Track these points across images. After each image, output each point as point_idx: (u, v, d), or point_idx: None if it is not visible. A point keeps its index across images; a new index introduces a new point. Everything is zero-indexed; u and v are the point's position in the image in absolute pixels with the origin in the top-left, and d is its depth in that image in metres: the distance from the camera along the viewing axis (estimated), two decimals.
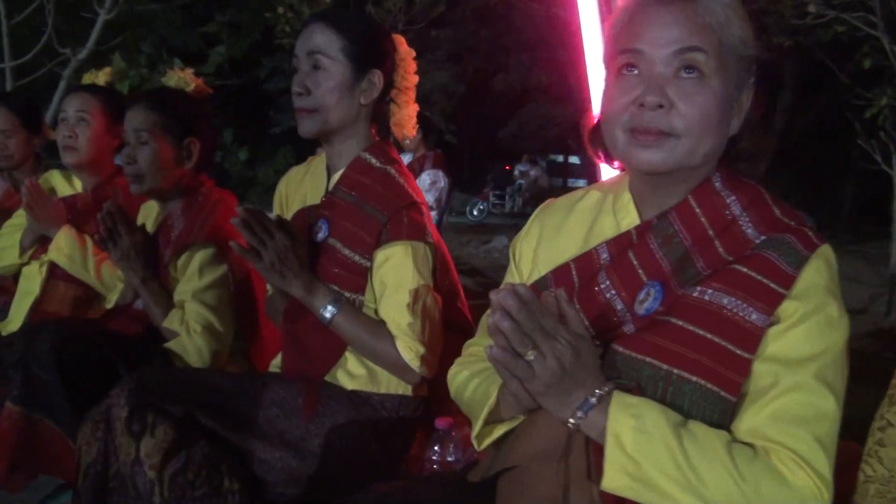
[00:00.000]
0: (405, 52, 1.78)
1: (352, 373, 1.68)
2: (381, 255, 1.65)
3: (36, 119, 2.89)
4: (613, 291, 1.14)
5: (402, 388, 1.69)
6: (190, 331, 1.89)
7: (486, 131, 14.77)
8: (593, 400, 1.00)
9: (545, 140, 14.13)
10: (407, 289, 1.63)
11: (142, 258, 1.97)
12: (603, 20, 2.35)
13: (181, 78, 2.10)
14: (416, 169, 5.22)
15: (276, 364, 1.84)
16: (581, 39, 2.37)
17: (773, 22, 5.86)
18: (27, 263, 2.48)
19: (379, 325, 1.65)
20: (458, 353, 1.43)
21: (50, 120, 5.21)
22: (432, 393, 1.75)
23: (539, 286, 1.22)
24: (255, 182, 11.72)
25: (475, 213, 15.29)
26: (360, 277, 1.67)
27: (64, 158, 2.44)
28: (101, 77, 2.52)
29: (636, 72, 1.11)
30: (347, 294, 1.66)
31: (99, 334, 1.86)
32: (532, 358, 0.96)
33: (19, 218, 2.57)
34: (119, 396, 1.48)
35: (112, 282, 2.36)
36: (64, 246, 2.36)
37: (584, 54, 2.38)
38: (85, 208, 2.47)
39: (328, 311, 1.63)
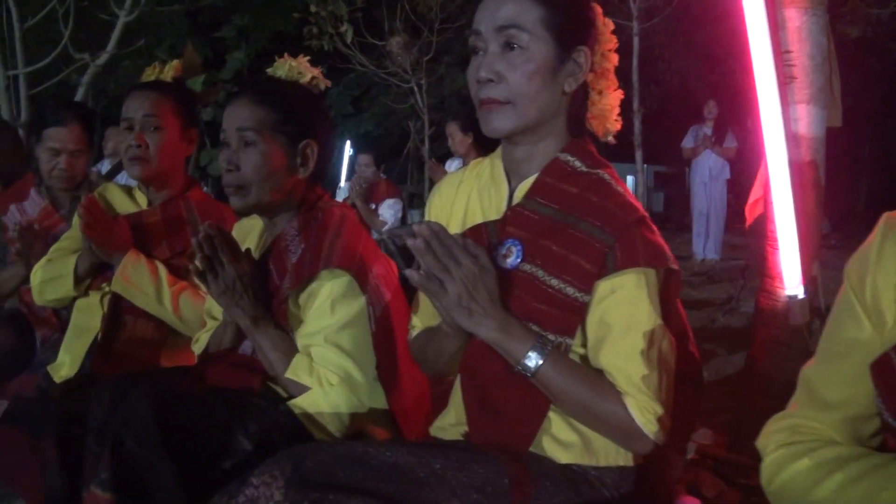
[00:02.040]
0: (603, 23, 1.38)
1: (562, 441, 1.27)
2: (605, 286, 1.24)
3: (96, 132, 2.52)
4: None
5: (622, 457, 1.29)
6: (323, 383, 1.48)
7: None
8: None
9: None
10: (641, 330, 1.23)
11: (250, 292, 1.55)
12: (773, 42, 2.01)
13: (293, 67, 1.69)
14: None
15: (439, 426, 1.42)
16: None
17: (847, 11, 5.50)
18: (84, 295, 2.07)
19: (600, 378, 1.25)
20: (687, 412, 1.30)
21: None
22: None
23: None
24: None
25: None
26: (571, 315, 1.25)
27: (131, 172, 2.03)
28: (168, 71, 2.11)
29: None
30: (551, 336, 1.25)
31: (210, 393, 1.44)
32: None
33: (70, 241, 2.16)
34: (270, 488, 1.07)
35: (194, 317, 1.94)
36: (132, 275, 1.95)
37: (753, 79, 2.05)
38: (153, 228, 2.06)
39: (532, 360, 1.22)
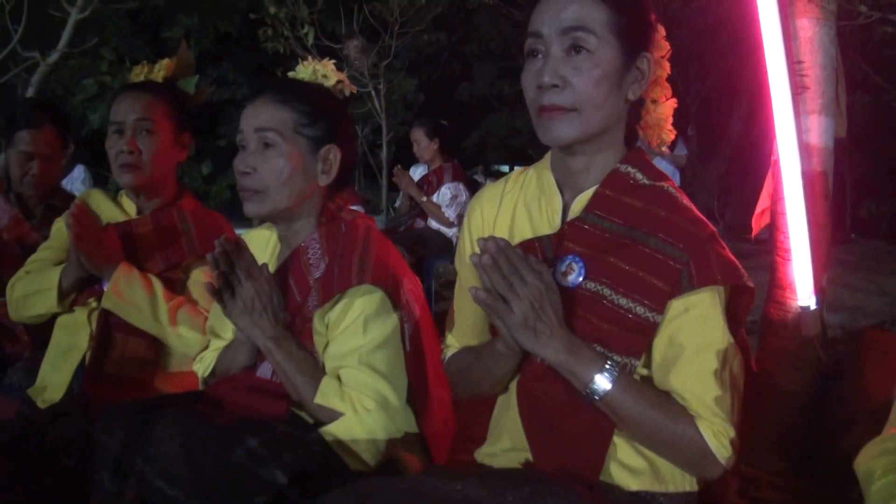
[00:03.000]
0: (659, 28, 1.32)
1: (630, 467, 1.21)
2: (678, 304, 1.18)
3: (70, 135, 2.36)
4: None
5: (688, 482, 1.23)
6: (358, 408, 1.38)
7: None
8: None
9: (508, 150, 13.76)
10: (714, 350, 1.17)
11: (269, 311, 1.44)
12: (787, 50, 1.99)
13: (318, 70, 1.59)
14: (433, 182, 4.77)
15: (489, 452, 1.34)
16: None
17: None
18: (68, 311, 1.91)
19: (670, 401, 1.18)
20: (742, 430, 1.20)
21: None
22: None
23: None
24: (208, 197, 10.96)
25: None
26: (640, 336, 1.19)
27: (122, 179, 1.88)
28: (158, 71, 1.97)
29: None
30: (617, 357, 1.19)
31: (239, 422, 1.33)
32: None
33: (50, 251, 2.00)
34: None
35: (193, 335, 1.81)
36: (124, 290, 1.81)
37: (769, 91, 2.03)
38: (145, 239, 1.92)
39: (601, 383, 1.15)
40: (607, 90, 1.20)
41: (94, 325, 1.88)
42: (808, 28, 2.08)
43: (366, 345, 1.42)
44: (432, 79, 11.54)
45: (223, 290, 1.43)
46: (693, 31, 6.89)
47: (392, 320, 1.45)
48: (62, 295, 1.88)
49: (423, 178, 4.86)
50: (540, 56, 1.21)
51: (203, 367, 1.65)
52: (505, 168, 22.84)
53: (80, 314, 1.90)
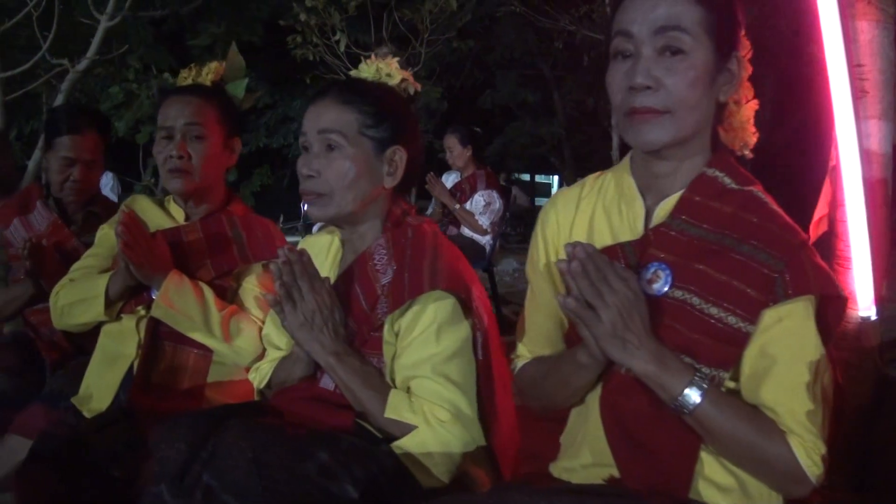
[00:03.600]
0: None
1: (719, 484, 1.16)
2: (772, 315, 1.13)
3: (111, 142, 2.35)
4: None
5: (775, 499, 1.18)
6: (431, 420, 1.33)
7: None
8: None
9: (530, 159, 13.74)
10: (806, 362, 1.13)
11: (330, 325, 1.40)
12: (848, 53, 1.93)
13: (381, 68, 1.55)
14: (466, 190, 4.73)
15: (567, 467, 1.29)
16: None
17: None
18: (115, 319, 1.88)
19: (760, 415, 1.14)
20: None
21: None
22: None
23: None
24: None
25: None
26: (730, 346, 1.14)
27: (172, 185, 1.86)
28: (207, 74, 1.93)
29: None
30: (705, 369, 1.14)
31: (309, 433, 1.29)
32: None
33: (94, 259, 1.98)
34: None
35: (248, 345, 1.78)
36: (175, 299, 1.77)
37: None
38: (195, 246, 1.89)
39: (690, 396, 1.10)
40: (701, 92, 1.16)
41: (142, 334, 1.85)
42: (868, 31, 2.02)
43: (439, 353, 1.38)
44: (454, 87, 11.50)
45: (284, 303, 1.39)
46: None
47: (465, 328, 1.41)
48: (109, 303, 1.85)
49: (456, 186, 4.83)
50: (630, 56, 1.17)
51: (259, 377, 1.61)
52: (526, 177, 22.81)
53: (128, 322, 1.87)
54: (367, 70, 1.57)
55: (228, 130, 1.91)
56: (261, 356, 1.74)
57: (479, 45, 10.61)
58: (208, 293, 1.81)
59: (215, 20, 10.19)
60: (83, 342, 2.20)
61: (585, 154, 12.97)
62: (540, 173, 21.84)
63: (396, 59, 1.58)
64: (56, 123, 2.34)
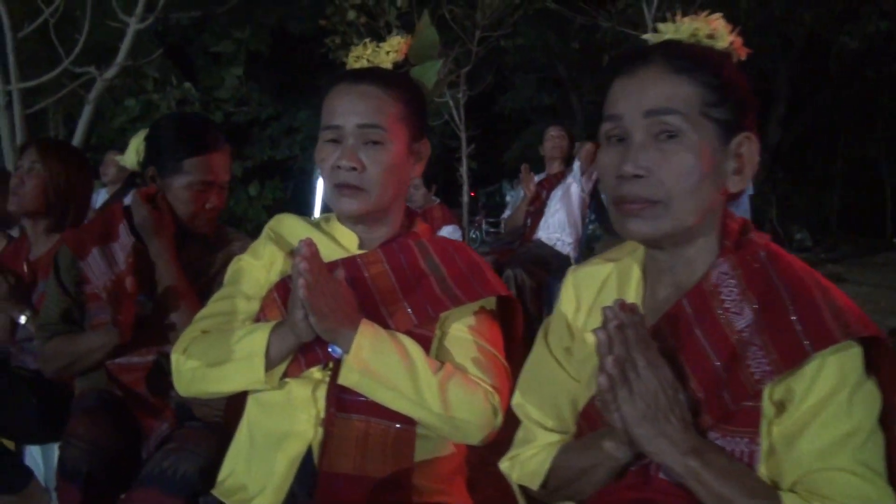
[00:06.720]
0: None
1: None
2: None
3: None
4: None
5: None
6: None
7: (491, 153, 14.11)
8: None
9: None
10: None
11: (677, 410, 0.95)
12: None
13: (699, 29, 1.09)
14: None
15: None
16: None
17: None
18: (280, 386, 1.40)
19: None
20: None
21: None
22: None
23: None
24: (246, 219, 10.53)
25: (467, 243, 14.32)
26: None
27: (342, 205, 1.41)
28: (388, 53, 1.45)
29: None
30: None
31: None
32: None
33: (230, 302, 1.51)
34: None
35: (471, 416, 1.31)
36: (373, 361, 1.30)
37: None
38: (381, 283, 1.40)
39: None
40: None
41: (320, 406, 1.37)
42: None
43: (856, 432, 0.93)
44: (472, 89, 11.18)
45: (619, 386, 0.94)
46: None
47: (875, 391, 0.96)
48: (271, 364, 1.36)
49: (543, 182, 4.45)
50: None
51: (528, 472, 1.14)
52: None
53: (299, 390, 1.38)
54: (682, 29, 1.10)
55: (415, 130, 1.44)
56: (487, 428, 1.30)
57: (499, 46, 10.26)
58: (413, 350, 1.33)
59: (220, 30, 9.79)
60: (184, 407, 1.81)
61: None
62: None
63: (719, 14, 1.11)
64: (184, 141, 1.88)
